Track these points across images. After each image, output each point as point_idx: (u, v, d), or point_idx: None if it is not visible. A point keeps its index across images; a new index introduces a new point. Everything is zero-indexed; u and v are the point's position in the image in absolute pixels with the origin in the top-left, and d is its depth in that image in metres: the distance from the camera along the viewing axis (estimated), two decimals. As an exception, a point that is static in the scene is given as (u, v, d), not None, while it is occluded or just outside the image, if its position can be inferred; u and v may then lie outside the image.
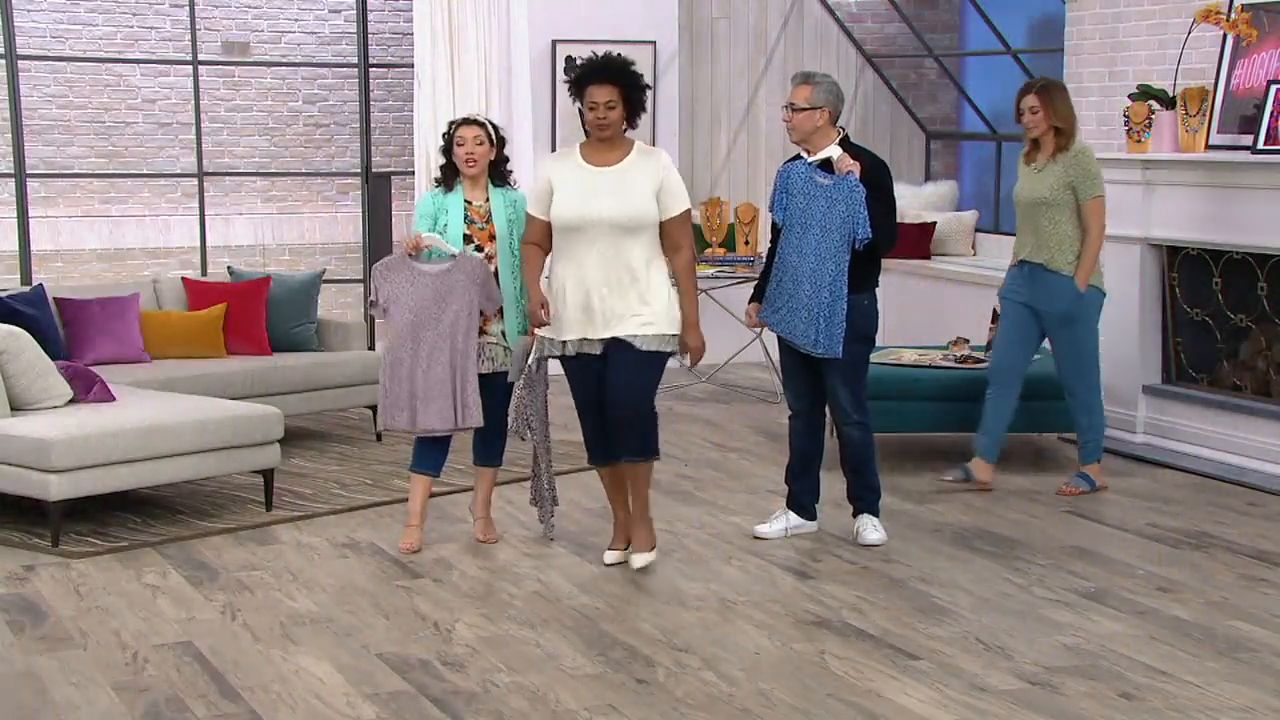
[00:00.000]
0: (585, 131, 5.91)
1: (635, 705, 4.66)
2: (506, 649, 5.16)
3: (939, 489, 7.25)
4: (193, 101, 10.56)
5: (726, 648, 5.17)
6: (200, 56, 10.73)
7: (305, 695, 4.76)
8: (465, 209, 6.23)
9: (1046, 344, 7.32)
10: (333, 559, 6.27)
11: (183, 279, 8.87)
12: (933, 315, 10.08)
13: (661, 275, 5.84)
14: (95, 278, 14.03)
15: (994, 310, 8.06)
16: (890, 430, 7.55)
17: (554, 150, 9.96)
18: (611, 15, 10.35)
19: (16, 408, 6.68)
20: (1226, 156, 7.76)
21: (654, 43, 10.52)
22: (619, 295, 5.76)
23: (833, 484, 6.76)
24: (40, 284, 8.38)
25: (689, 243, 5.91)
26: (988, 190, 11.24)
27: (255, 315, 8.57)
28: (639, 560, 5.96)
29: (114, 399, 6.92)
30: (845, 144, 6.28)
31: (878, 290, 6.40)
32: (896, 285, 9.79)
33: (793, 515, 6.54)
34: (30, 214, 9.78)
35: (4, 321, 7.07)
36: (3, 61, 9.52)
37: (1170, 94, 8.01)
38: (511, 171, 6.40)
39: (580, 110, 5.89)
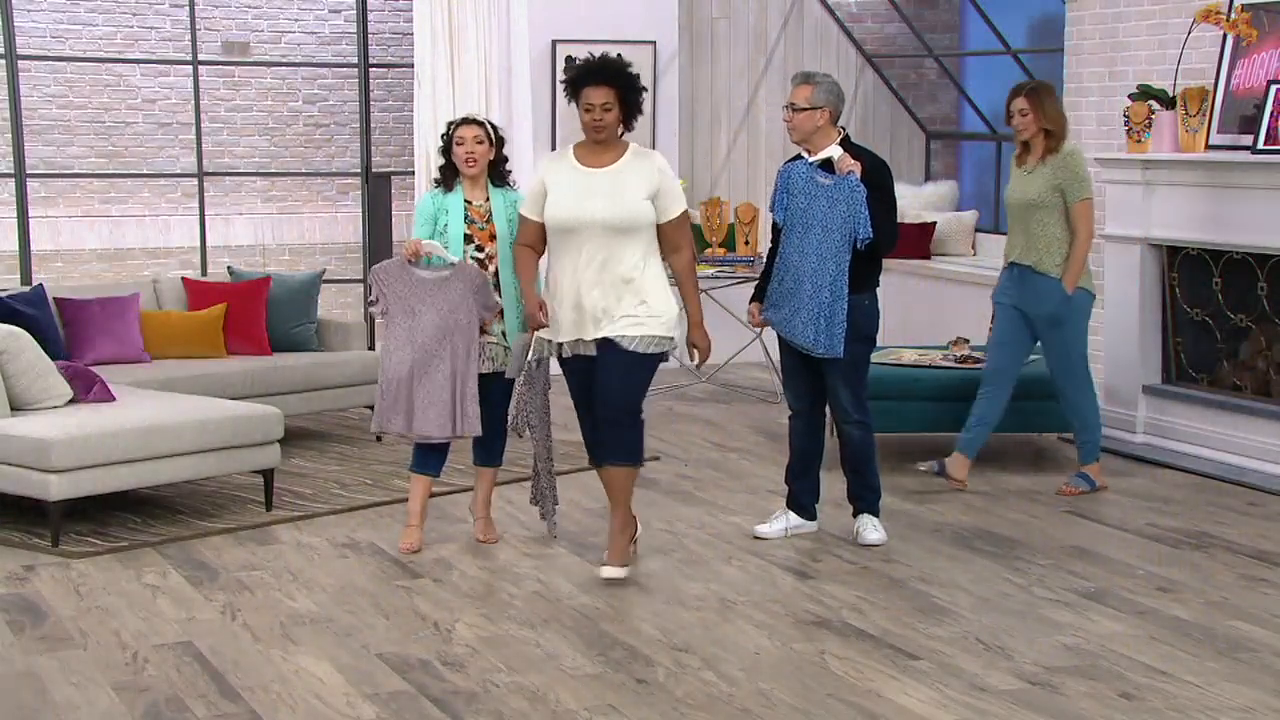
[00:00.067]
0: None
1: (635, 705, 4.66)
2: (506, 649, 5.16)
3: (926, 487, 7.26)
4: (193, 101, 10.56)
5: (726, 648, 5.17)
6: (200, 56, 10.73)
7: (305, 695, 4.76)
8: (465, 209, 6.23)
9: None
10: (333, 559, 6.27)
11: (183, 279, 8.87)
12: (933, 315, 10.08)
13: (656, 277, 5.81)
14: (95, 278, 14.03)
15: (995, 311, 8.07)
16: (890, 430, 7.55)
17: (554, 150, 9.95)
18: (611, 15, 10.35)
19: (16, 408, 6.68)
20: (1226, 156, 7.76)
21: (654, 43, 10.52)
22: (612, 297, 5.74)
23: (833, 484, 6.76)
24: (40, 284, 8.38)
25: (689, 243, 5.91)
26: (988, 190, 11.25)
27: (255, 315, 8.57)
28: (608, 572, 5.85)
29: (114, 399, 6.92)
30: (846, 144, 6.28)
31: (878, 290, 6.40)
32: (896, 285, 9.78)
33: (793, 515, 6.54)
34: (30, 214, 9.78)
35: (4, 321, 7.07)
36: (3, 61, 9.52)
37: (1170, 94, 8.01)
38: (510, 171, 6.40)
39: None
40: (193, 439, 6.72)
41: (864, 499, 6.50)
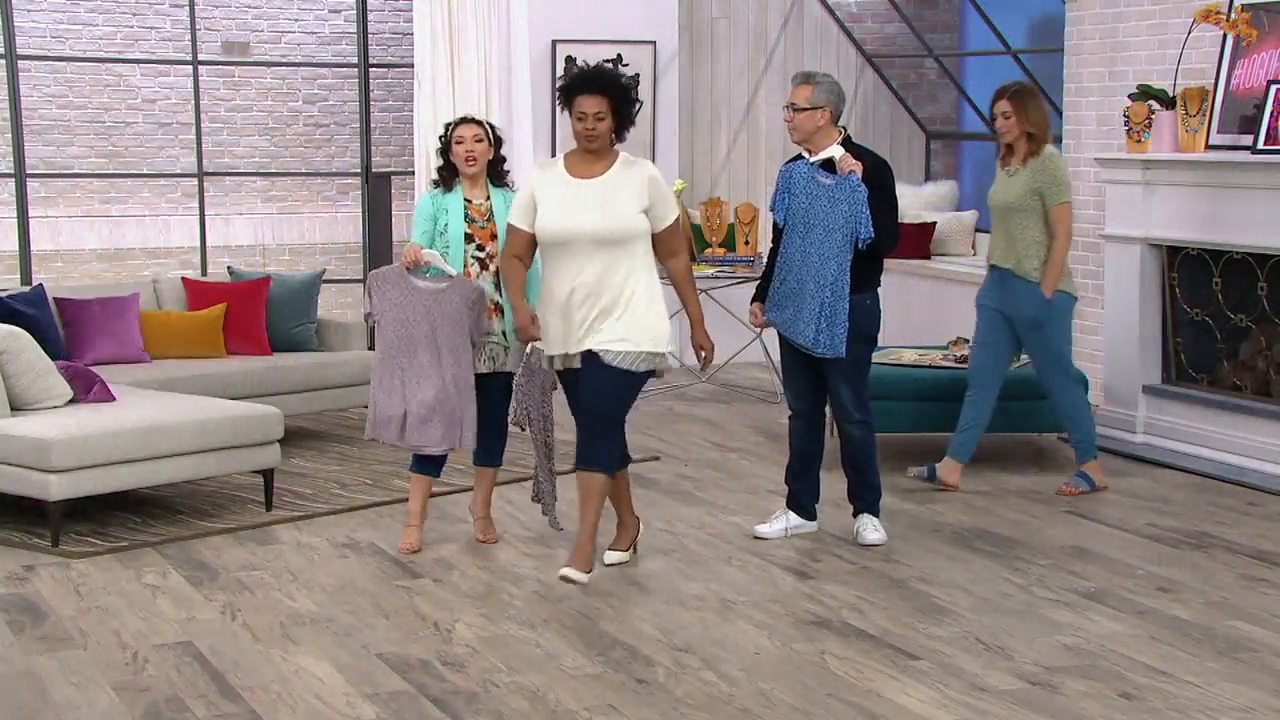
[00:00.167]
0: None
1: (635, 705, 4.66)
2: (506, 649, 5.16)
3: (926, 486, 7.27)
4: (193, 101, 10.57)
5: (726, 648, 5.17)
6: (200, 56, 10.74)
7: (305, 695, 4.76)
8: (465, 208, 6.23)
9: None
10: (333, 559, 6.27)
11: (183, 279, 8.87)
12: (933, 315, 10.08)
13: (648, 290, 5.73)
14: (95, 278, 14.03)
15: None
16: (890, 430, 7.55)
17: (554, 151, 9.96)
18: (611, 15, 10.36)
19: (16, 408, 6.68)
20: (1226, 156, 7.76)
21: (654, 43, 10.52)
22: (600, 309, 5.67)
23: (833, 484, 6.76)
24: (40, 284, 8.38)
25: (684, 248, 5.90)
26: (988, 190, 11.19)
27: (255, 315, 8.57)
28: (567, 572, 5.75)
29: (114, 399, 6.92)
30: (847, 144, 6.28)
31: (879, 290, 6.40)
32: (897, 285, 9.78)
33: (793, 515, 6.54)
34: (30, 214, 9.78)
35: (4, 321, 7.07)
36: (3, 61, 9.52)
37: (1170, 94, 8.01)
38: (509, 172, 6.40)
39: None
40: (193, 439, 6.72)
41: (864, 498, 6.50)
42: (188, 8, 10.51)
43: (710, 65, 11.24)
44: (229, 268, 9.26)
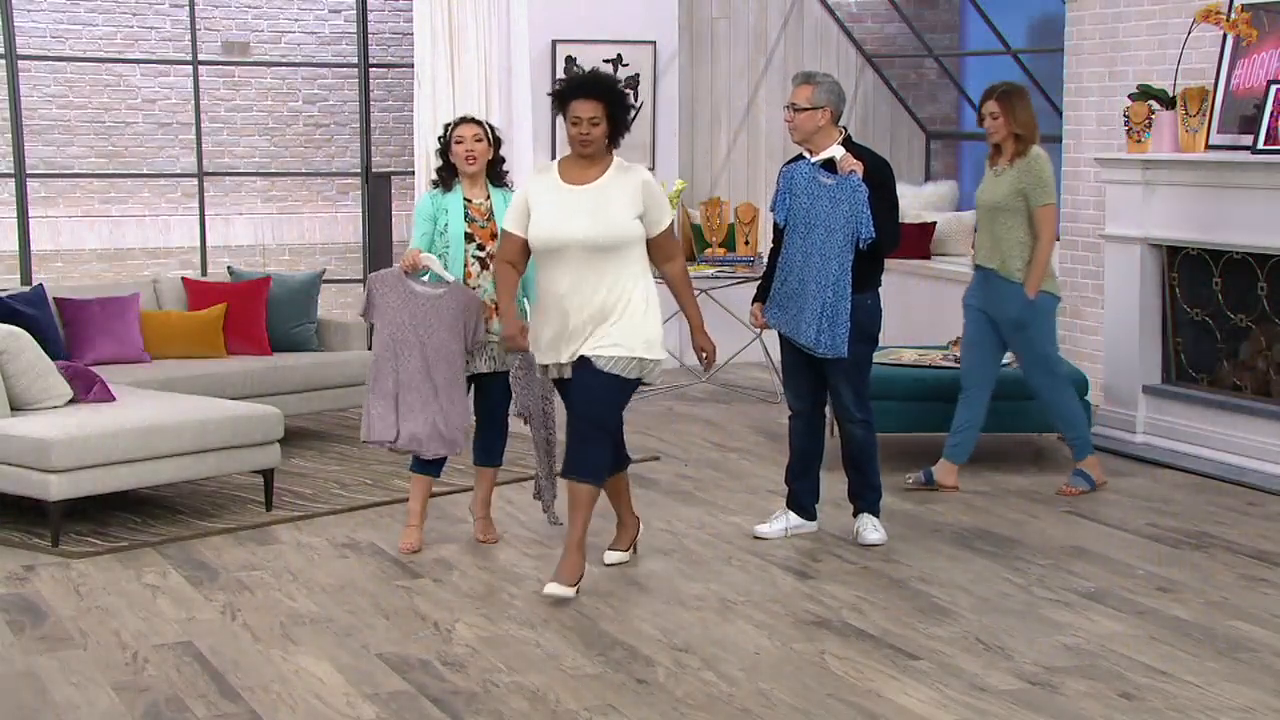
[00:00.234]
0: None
1: (635, 705, 4.66)
2: (506, 649, 5.16)
3: (913, 487, 7.28)
4: (193, 101, 10.57)
5: (726, 648, 5.17)
6: (200, 56, 10.74)
7: (305, 695, 4.76)
8: (465, 207, 6.23)
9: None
10: (333, 559, 6.27)
11: (183, 279, 8.88)
12: (933, 315, 10.08)
13: (643, 295, 5.67)
14: (95, 278, 14.04)
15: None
16: (890, 430, 7.55)
17: (554, 152, 9.96)
18: (611, 15, 10.36)
19: (16, 408, 6.68)
20: (1226, 156, 7.76)
21: (654, 43, 10.52)
22: (594, 317, 5.61)
23: (833, 484, 6.76)
24: (40, 284, 8.38)
25: (679, 252, 5.87)
26: (988, 190, 11.22)
27: (255, 315, 8.57)
28: (552, 588, 5.64)
29: (114, 399, 6.92)
30: (847, 143, 6.28)
31: (880, 290, 6.40)
32: (897, 285, 9.78)
33: (793, 515, 6.54)
34: (30, 214, 9.79)
35: (4, 321, 7.08)
36: (3, 61, 9.52)
37: (1170, 94, 8.01)
38: (508, 172, 6.41)
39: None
40: (193, 439, 6.72)
41: (865, 498, 6.50)
42: (188, 8, 10.51)
43: (710, 65, 11.24)
44: (229, 268, 9.26)
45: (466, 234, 6.21)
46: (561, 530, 6.45)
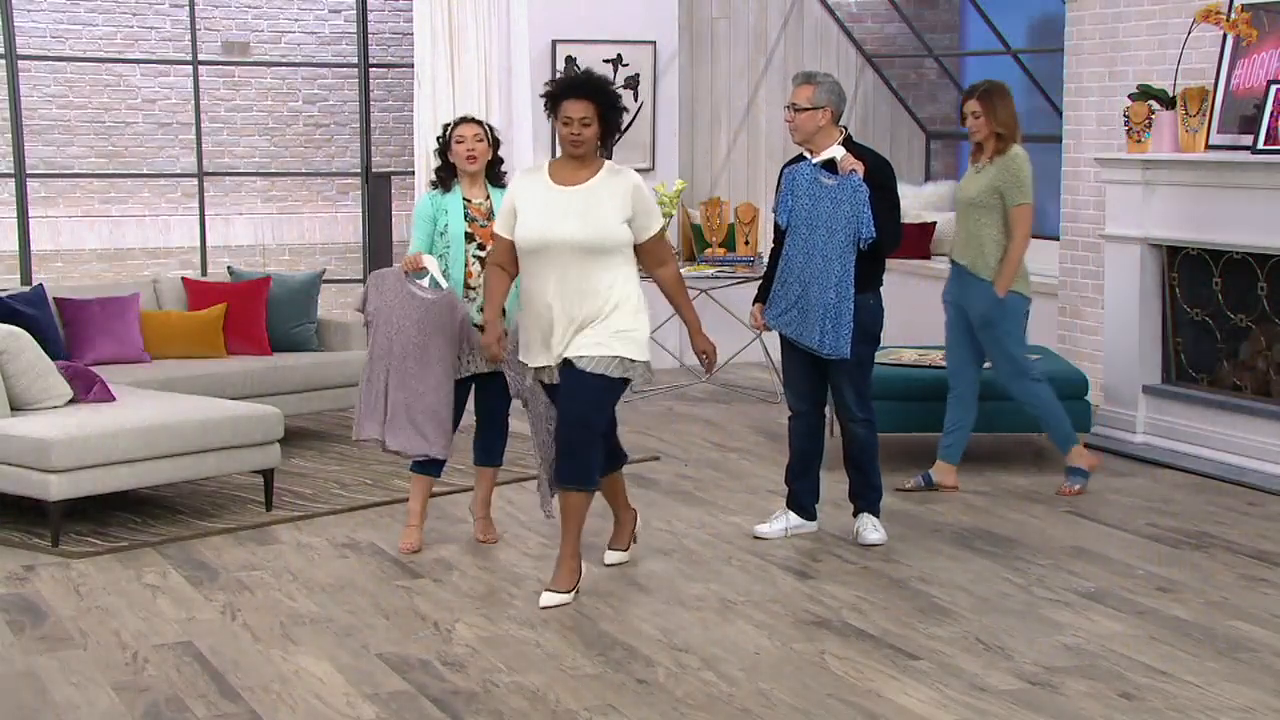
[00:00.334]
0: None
1: (635, 705, 4.66)
2: (506, 649, 5.16)
3: (914, 487, 7.28)
4: (193, 101, 10.57)
5: (726, 648, 5.17)
6: (200, 56, 10.74)
7: (305, 695, 4.76)
8: (465, 207, 6.23)
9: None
10: (333, 559, 6.27)
11: (183, 279, 8.88)
12: (933, 315, 10.02)
13: (628, 297, 5.59)
14: (95, 278, 14.04)
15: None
16: (890, 430, 7.55)
17: (554, 152, 9.95)
18: (611, 15, 10.35)
19: (16, 408, 6.68)
20: (1226, 156, 7.76)
21: (654, 43, 10.52)
22: (580, 320, 5.54)
23: (832, 484, 6.76)
24: (40, 284, 8.38)
25: (671, 256, 5.81)
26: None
27: (255, 315, 8.57)
28: (548, 598, 5.62)
29: (114, 399, 6.92)
30: (848, 143, 6.29)
31: (881, 289, 6.40)
32: (897, 285, 9.76)
33: (793, 515, 6.54)
34: (30, 214, 9.79)
35: (4, 321, 7.08)
36: (3, 61, 9.52)
37: (1170, 94, 8.01)
38: (506, 173, 6.40)
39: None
40: (193, 439, 6.72)
41: (865, 498, 6.51)
42: (188, 8, 10.52)
43: (710, 65, 11.24)
44: (229, 268, 9.26)
45: (467, 234, 6.21)
46: (557, 525, 6.46)
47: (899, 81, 11.70)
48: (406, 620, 5.48)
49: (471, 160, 6.22)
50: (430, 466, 6.36)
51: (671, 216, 10.03)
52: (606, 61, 10.24)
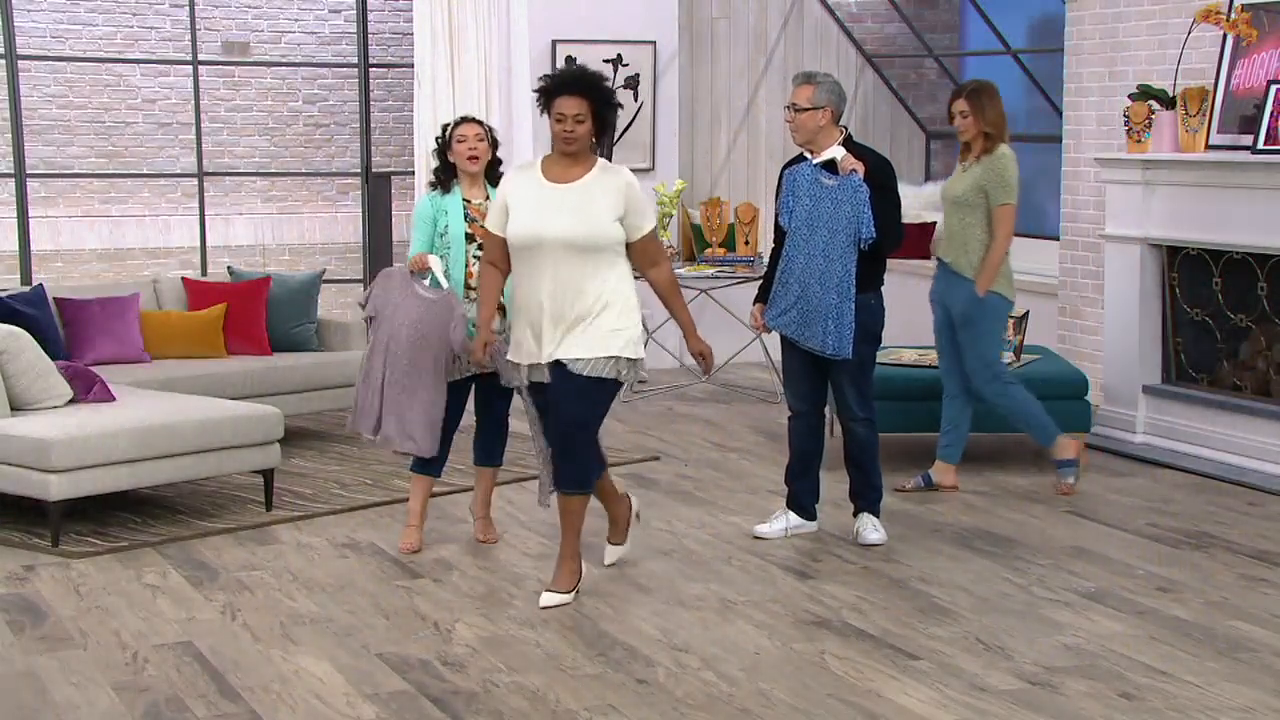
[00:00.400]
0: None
1: (635, 705, 4.66)
2: (506, 649, 5.16)
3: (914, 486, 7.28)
4: (193, 101, 10.57)
5: (726, 648, 5.17)
6: (200, 56, 10.74)
7: (305, 695, 4.76)
8: (465, 208, 6.23)
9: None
10: (333, 559, 6.27)
11: (183, 279, 8.88)
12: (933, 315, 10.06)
13: (620, 295, 5.53)
14: (95, 278, 14.04)
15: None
16: (891, 430, 7.54)
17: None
18: (611, 15, 10.36)
19: (16, 408, 6.68)
20: (1226, 156, 7.76)
21: (654, 43, 10.52)
22: (572, 319, 5.48)
23: (832, 484, 6.76)
24: (40, 284, 8.38)
25: (664, 257, 5.71)
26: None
27: (255, 315, 8.57)
28: (548, 599, 5.61)
29: (114, 399, 6.92)
30: (849, 143, 6.29)
31: (883, 289, 6.40)
32: (897, 285, 9.76)
33: (793, 515, 6.54)
34: (30, 214, 9.79)
35: (4, 321, 7.08)
36: (3, 61, 9.52)
37: (1170, 94, 8.01)
38: (505, 174, 6.40)
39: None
40: (193, 439, 6.72)
41: (865, 497, 6.51)
42: (188, 8, 10.51)
43: (710, 65, 11.24)
44: (229, 268, 9.26)
45: (467, 234, 6.21)
46: (557, 525, 6.46)
47: (899, 81, 11.70)
48: (406, 620, 5.48)
49: (474, 160, 6.22)
50: (430, 466, 6.36)
51: (672, 216, 10.05)
52: (606, 61, 10.23)
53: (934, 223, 10.82)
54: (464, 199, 6.25)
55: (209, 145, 13.61)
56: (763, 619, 5.47)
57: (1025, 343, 8.02)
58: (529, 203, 5.55)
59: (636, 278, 5.67)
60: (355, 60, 10.89)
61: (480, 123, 6.34)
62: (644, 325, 5.63)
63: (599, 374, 5.49)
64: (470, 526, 6.58)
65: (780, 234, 6.39)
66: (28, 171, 9.80)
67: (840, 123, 6.31)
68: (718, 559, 6.24)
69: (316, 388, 8.43)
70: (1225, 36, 7.91)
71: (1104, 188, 8.51)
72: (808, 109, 6.21)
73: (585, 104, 5.51)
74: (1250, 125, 7.69)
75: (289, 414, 7.80)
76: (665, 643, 5.22)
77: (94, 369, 7.23)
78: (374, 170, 10.84)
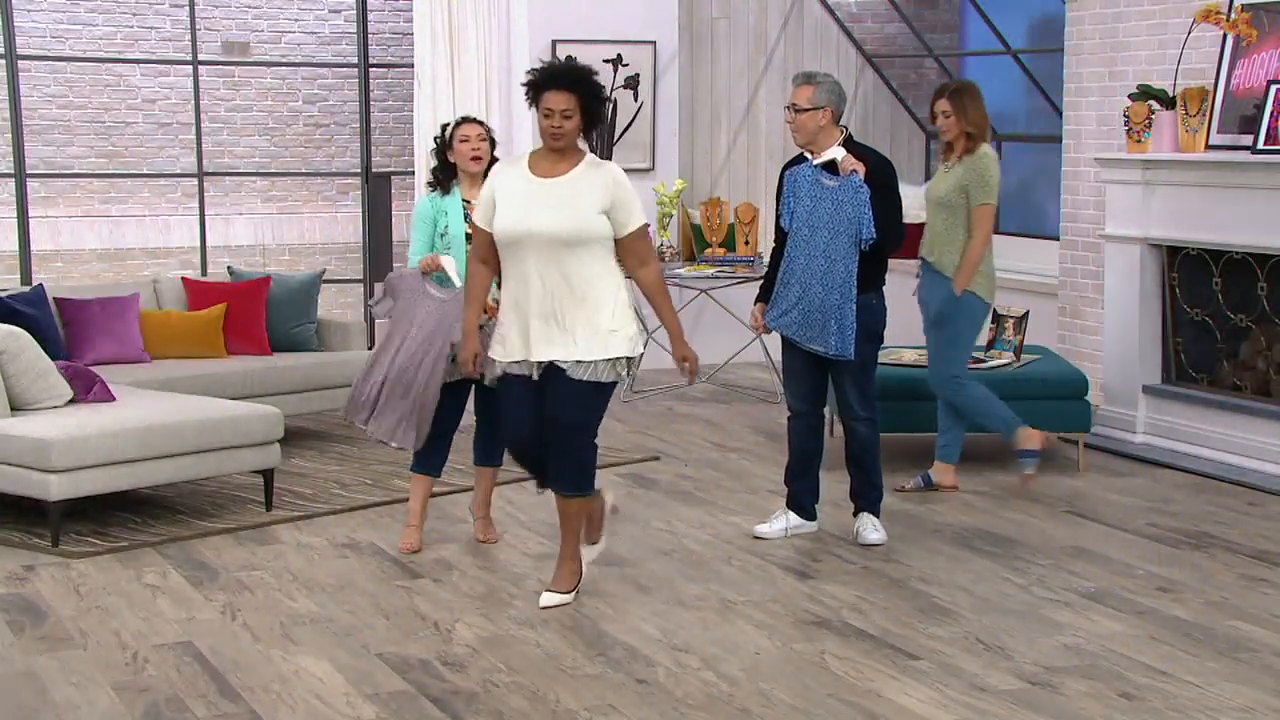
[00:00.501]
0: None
1: (635, 705, 4.66)
2: (506, 649, 5.16)
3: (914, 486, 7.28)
4: (193, 101, 10.56)
5: (726, 648, 5.17)
6: (200, 56, 10.73)
7: (305, 695, 4.76)
8: (465, 208, 6.23)
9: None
10: (333, 559, 6.27)
11: (183, 279, 8.88)
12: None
13: (610, 292, 5.45)
14: (95, 278, 14.04)
15: (994, 311, 8.07)
16: (891, 430, 7.53)
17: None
18: (611, 15, 10.35)
19: (16, 408, 6.68)
20: (1226, 156, 7.76)
21: (654, 43, 10.52)
22: (559, 316, 5.41)
23: (832, 484, 6.76)
24: (40, 284, 8.38)
25: (653, 256, 5.60)
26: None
27: (255, 315, 8.57)
28: (548, 599, 5.60)
29: (114, 399, 6.92)
30: (849, 143, 6.29)
31: (884, 289, 6.40)
32: (898, 285, 9.76)
33: (793, 515, 6.54)
34: (30, 214, 9.78)
35: (4, 321, 7.08)
36: (3, 61, 9.52)
37: (1170, 94, 8.01)
38: (493, 169, 6.39)
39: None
40: (193, 439, 6.72)
41: (866, 497, 6.51)
42: (188, 8, 10.51)
43: (710, 65, 11.24)
44: (229, 268, 9.26)
45: (467, 235, 6.19)
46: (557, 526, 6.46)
47: (899, 81, 11.70)
48: (406, 620, 5.48)
49: (477, 160, 6.21)
50: (430, 466, 6.36)
51: (672, 216, 10.04)
52: (606, 61, 10.23)
53: (934, 222, 10.83)
54: (464, 199, 6.25)
55: (209, 145, 13.61)
56: (763, 619, 5.47)
57: (1025, 343, 8.01)
58: (515, 198, 5.47)
59: (626, 277, 5.61)
60: (355, 60, 10.88)
61: (481, 123, 6.35)
62: (642, 322, 5.60)
63: (598, 378, 5.44)
64: (470, 526, 6.58)
65: (781, 234, 6.39)
66: (28, 171, 9.80)
67: (840, 123, 6.31)
68: (718, 559, 6.24)
69: (316, 388, 8.42)
70: (1225, 36, 7.91)
71: (1104, 188, 8.51)
72: (808, 109, 6.21)
73: (573, 99, 5.43)
74: (1250, 125, 7.69)
75: (289, 414, 7.80)
76: (665, 643, 5.22)
77: (94, 369, 7.23)
78: (374, 170, 10.83)
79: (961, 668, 4.97)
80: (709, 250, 10.17)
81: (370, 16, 10.99)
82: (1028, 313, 8.09)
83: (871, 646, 5.17)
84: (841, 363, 6.27)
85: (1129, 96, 8.20)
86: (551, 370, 5.44)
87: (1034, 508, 7.04)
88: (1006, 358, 7.90)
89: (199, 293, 8.67)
